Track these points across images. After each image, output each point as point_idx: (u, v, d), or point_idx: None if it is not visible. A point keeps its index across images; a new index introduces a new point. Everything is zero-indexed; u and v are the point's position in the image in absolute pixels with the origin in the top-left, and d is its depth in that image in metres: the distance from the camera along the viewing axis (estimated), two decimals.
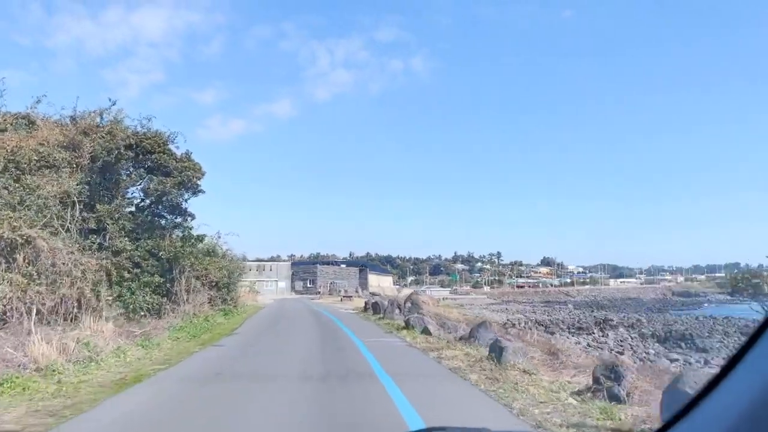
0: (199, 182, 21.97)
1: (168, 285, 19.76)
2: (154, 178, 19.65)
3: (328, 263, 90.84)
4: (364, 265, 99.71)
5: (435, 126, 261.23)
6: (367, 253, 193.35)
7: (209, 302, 24.28)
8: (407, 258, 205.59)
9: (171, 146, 21.62)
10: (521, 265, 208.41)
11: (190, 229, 21.55)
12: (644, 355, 40.35)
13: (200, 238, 21.57)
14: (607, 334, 56.22)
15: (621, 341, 50.62)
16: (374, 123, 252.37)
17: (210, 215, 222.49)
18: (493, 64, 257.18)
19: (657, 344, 49.57)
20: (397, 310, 22.45)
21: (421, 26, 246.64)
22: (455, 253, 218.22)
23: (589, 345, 45.00)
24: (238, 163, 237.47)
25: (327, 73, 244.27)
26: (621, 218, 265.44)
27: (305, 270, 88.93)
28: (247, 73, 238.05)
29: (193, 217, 23.10)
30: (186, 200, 22.37)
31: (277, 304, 47.37)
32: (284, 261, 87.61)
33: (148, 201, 21.68)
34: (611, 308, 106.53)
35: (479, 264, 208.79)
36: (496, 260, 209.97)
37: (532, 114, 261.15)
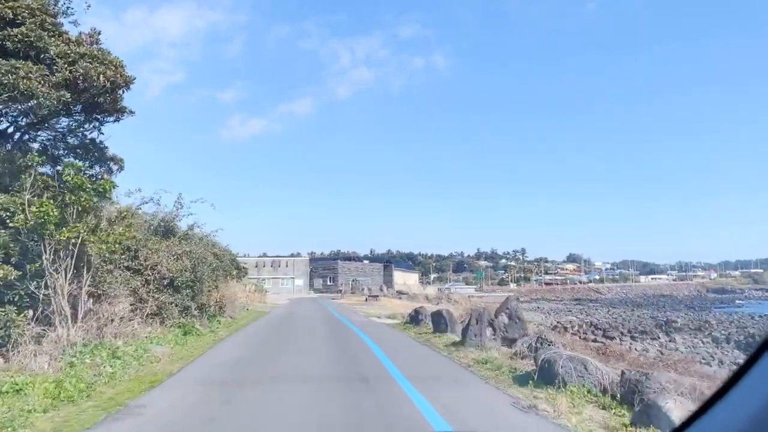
0: (120, 93, 11.31)
1: (33, 284, 9.16)
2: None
3: (349, 259, 79.88)
4: (389, 261, 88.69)
5: (456, 122, 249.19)
6: (388, 250, 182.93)
7: (157, 313, 13.66)
8: (429, 255, 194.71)
9: (63, 20, 11.07)
10: (547, 261, 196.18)
11: (91, 176, 10.77)
12: (734, 367, 29.86)
13: (102, 190, 10.18)
14: (674, 339, 45.74)
15: (693, 347, 40.28)
16: (395, 120, 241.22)
17: (227, 213, 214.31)
18: (516, 59, 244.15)
19: (738, 351, 38.76)
20: (488, 330, 11.47)
21: (443, 22, 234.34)
22: (478, 249, 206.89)
23: (661, 353, 34.78)
24: (258, 162, 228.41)
25: (347, 71, 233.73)
26: (647, 216, 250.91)
27: (325, 266, 78.11)
28: (267, 72, 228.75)
29: (119, 165, 12.52)
30: (97, 127, 11.74)
31: (289, 307, 36.78)
32: (302, 257, 76.99)
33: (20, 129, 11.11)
34: (649, 306, 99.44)
35: (503, 261, 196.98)
36: (520, 257, 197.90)
37: (555, 110, 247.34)
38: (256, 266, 72.29)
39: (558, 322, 56.58)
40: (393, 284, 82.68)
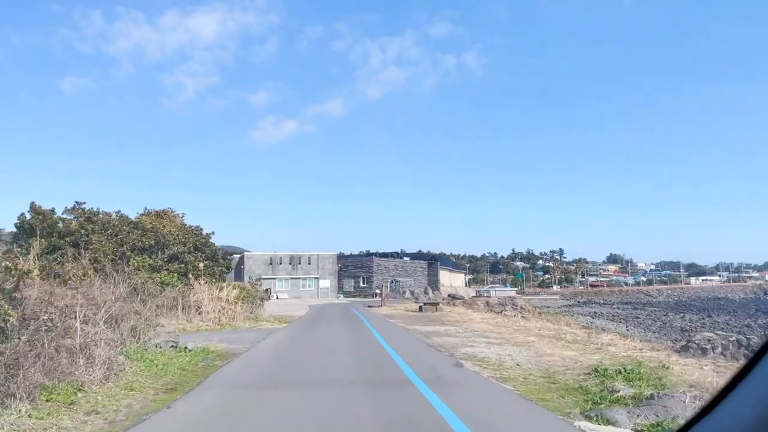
0: None
1: None
2: None
3: (386, 256, 60.97)
4: (434, 258, 69.39)
5: (488, 122, 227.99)
6: (419, 250, 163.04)
7: None
8: (462, 256, 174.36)
9: None
10: (586, 262, 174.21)
11: None
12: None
13: None
14: None
15: None
16: (425, 121, 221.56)
17: (253, 215, 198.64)
18: (551, 56, 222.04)
19: None
20: None
21: (476, 20, 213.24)
22: (513, 250, 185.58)
23: None
24: (287, 163, 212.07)
25: (379, 71, 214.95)
26: (687, 216, 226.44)
27: (357, 264, 59.32)
28: (299, 73, 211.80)
29: None
30: None
31: (296, 332, 17.99)
32: (328, 253, 58.18)
33: None
34: (718, 310, 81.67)
35: (540, 262, 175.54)
36: (558, 257, 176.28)
37: (590, 109, 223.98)
38: (270, 263, 54.14)
39: (690, 341, 36.59)
40: (439, 286, 64.00)
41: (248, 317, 19.53)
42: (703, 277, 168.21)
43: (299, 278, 55.30)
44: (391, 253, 62.18)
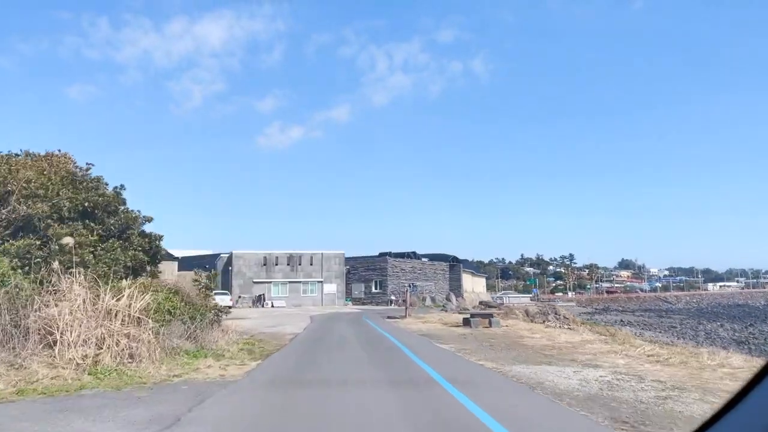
0: None
1: None
2: None
3: (402, 256, 50.08)
4: (456, 259, 58.63)
5: (495, 126, 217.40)
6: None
7: None
8: (469, 261, 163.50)
9: None
10: (598, 267, 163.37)
11: None
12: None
13: None
14: None
15: None
16: (431, 126, 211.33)
17: (264, 214, 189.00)
18: (559, 61, 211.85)
19: None
20: None
21: (483, 26, 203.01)
22: (522, 255, 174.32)
23: None
24: (293, 170, 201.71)
25: (386, 77, 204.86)
26: (696, 221, 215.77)
27: (368, 266, 48.44)
28: (306, 80, 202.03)
29: None
30: None
31: (259, 394, 7.42)
32: (334, 252, 47.28)
33: None
34: (750, 318, 72.33)
35: (551, 267, 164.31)
36: (569, 263, 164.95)
37: (599, 114, 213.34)
38: (264, 264, 43.43)
39: None
40: (462, 291, 53.37)
41: (175, 350, 8.97)
42: (721, 283, 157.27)
43: (299, 282, 44.57)
44: (407, 253, 51.56)
